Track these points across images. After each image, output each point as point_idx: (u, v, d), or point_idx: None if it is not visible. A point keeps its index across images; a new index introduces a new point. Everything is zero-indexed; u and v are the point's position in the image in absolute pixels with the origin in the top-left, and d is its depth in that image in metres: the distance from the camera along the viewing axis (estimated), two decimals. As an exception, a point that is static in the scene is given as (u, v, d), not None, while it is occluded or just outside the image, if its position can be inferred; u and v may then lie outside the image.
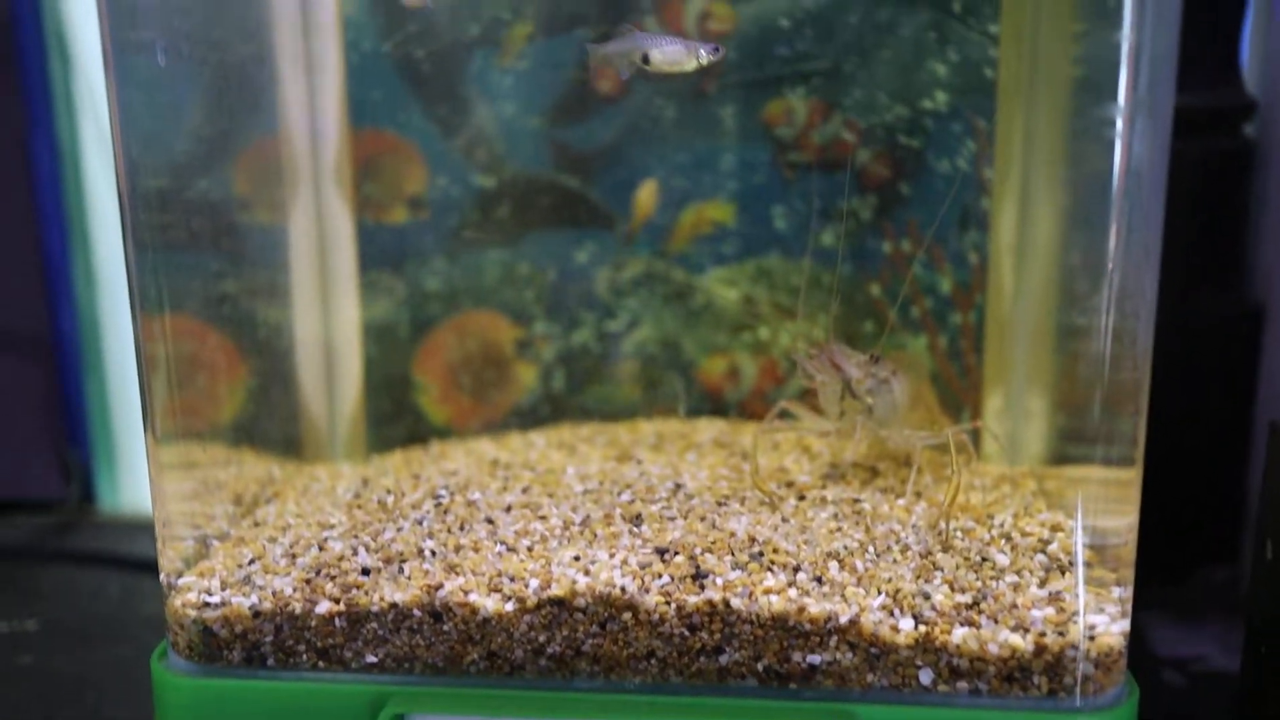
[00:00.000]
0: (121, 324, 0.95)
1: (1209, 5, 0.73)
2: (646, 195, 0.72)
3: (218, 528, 0.59)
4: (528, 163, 0.73)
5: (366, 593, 0.52)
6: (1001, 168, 0.65)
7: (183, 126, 0.60)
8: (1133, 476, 0.54)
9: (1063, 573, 0.53)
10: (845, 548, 0.53)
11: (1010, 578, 0.52)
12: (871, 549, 0.53)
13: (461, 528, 0.56)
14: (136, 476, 0.97)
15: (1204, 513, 0.75)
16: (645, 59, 0.54)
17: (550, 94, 0.72)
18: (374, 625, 0.51)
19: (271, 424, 0.69)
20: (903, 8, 0.68)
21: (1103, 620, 0.50)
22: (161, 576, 0.55)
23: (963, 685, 0.49)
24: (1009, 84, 0.65)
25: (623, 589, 0.50)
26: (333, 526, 0.58)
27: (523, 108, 0.72)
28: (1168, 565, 0.76)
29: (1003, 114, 0.65)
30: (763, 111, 0.71)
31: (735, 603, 0.50)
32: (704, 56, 0.54)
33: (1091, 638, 0.49)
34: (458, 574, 0.52)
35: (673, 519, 0.56)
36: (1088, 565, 0.54)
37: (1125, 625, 0.50)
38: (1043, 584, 0.52)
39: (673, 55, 0.54)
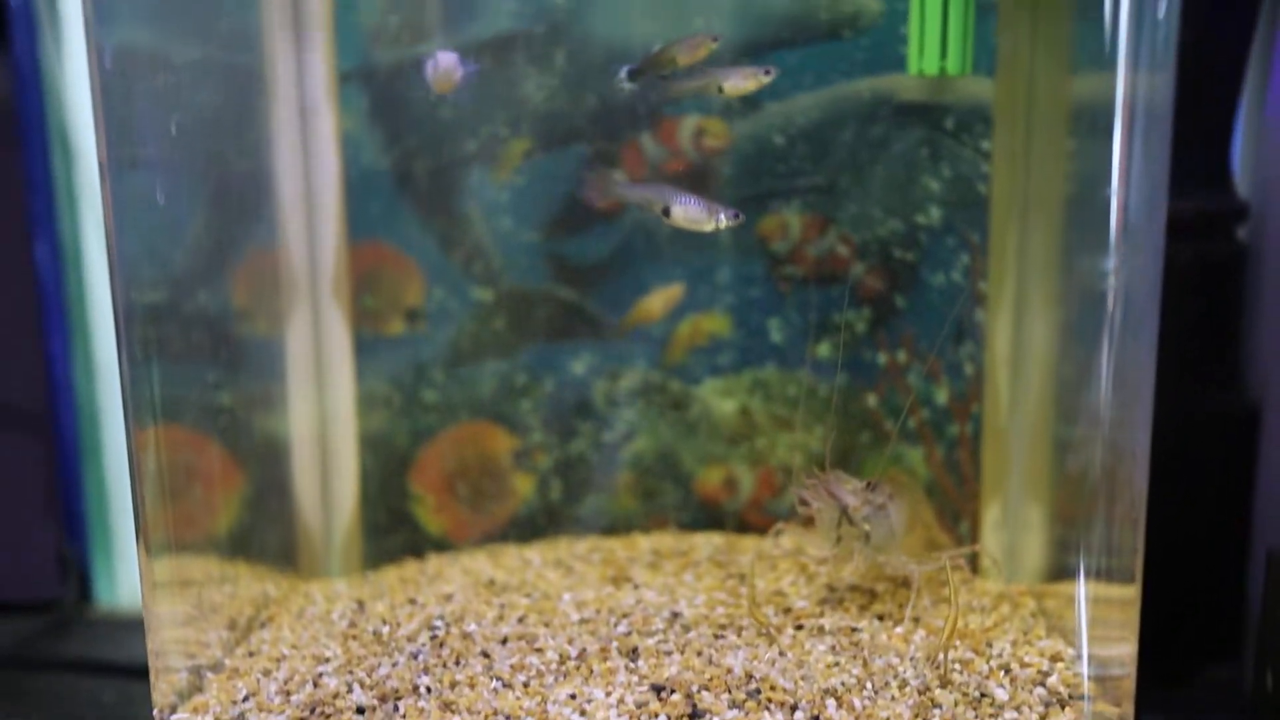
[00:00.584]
0: (121, 418, 0.95)
1: (1200, 111, 0.73)
2: (659, 301, 0.73)
3: (212, 656, 0.59)
4: (525, 275, 0.73)
5: (361, 733, 0.51)
6: (996, 280, 0.66)
7: (181, 240, 0.61)
8: (1133, 595, 0.53)
9: (1063, 706, 0.53)
10: (843, 684, 0.53)
11: (1009, 714, 0.52)
12: (869, 685, 0.53)
13: (457, 662, 0.56)
14: (134, 571, 0.97)
15: (1204, 611, 0.74)
16: (666, 211, 0.55)
17: (547, 208, 0.72)
18: (369, 767, 0.51)
19: (267, 536, 0.68)
20: (895, 125, 0.69)
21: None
22: (154, 713, 0.55)
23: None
24: (1002, 199, 0.65)
25: (619, 731, 0.50)
26: (328, 660, 0.57)
27: (520, 221, 0.73)
28: (1167, 666, 0.75)
29: (996, 228, 0.66)
30: (758, 226, 0.72)
31: (732, 745, 0.49)
32: (723, 220, 0.55)
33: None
34: (453, 712, 0.52)
35: (669, 653, 0.56)
36: (1089, 698, 0.54)
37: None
38: (1042, 721, 0.52)
39: (694, 214, 0.55)
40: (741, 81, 0.56)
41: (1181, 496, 0.72)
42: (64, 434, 0.96)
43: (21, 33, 0.88)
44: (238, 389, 0.65)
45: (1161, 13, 0.50)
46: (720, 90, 0.56)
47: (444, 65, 0.64)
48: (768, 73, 0.56)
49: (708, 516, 0.75)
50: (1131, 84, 0.53)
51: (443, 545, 0.76)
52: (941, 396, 0.71)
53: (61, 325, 0.94)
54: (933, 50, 0.54)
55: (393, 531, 0.75)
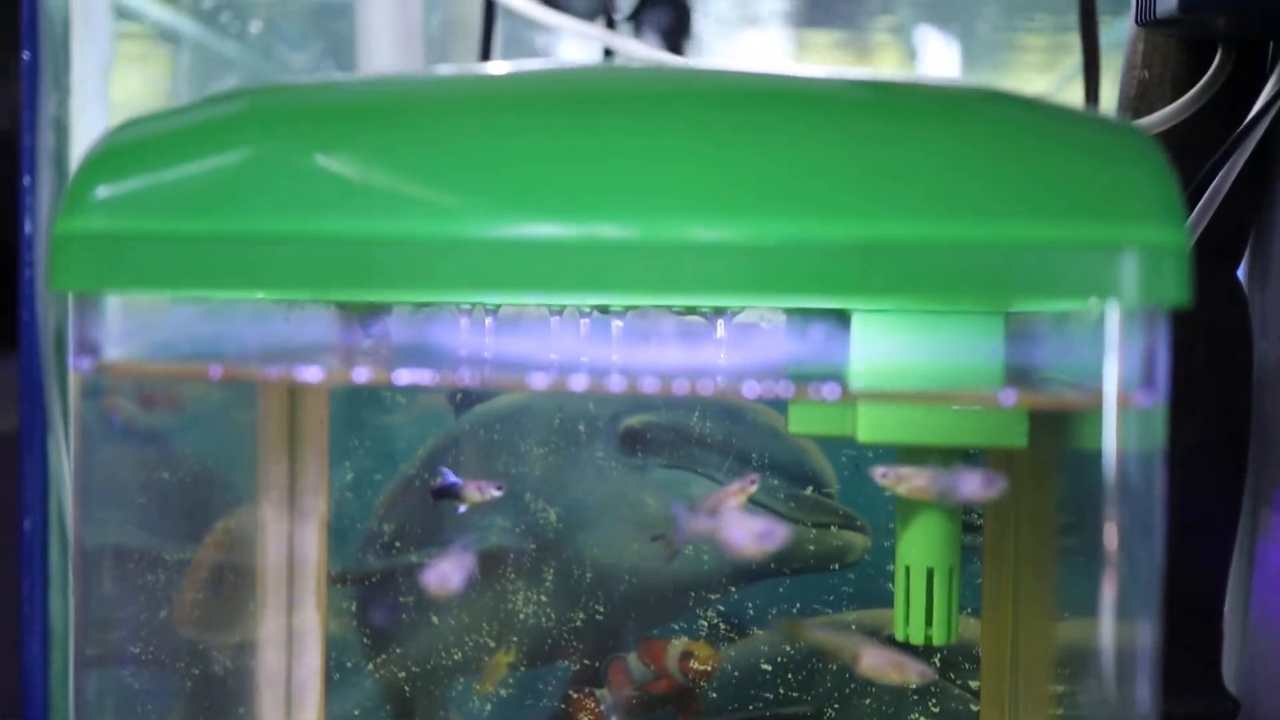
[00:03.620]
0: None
1: (1189, 622, 0.73)
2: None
3: None
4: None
5: None
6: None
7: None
8: None
9: None
10: None
11: None
12: None
13: None
14: None
15: None
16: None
17: (531, 721, 0.71)
18: None
19: None
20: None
21: None
22: None
23: None
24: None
25: None
26: None
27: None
28: None
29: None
30: (742, 754, 0.70)
31: None
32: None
33: None
34: None
35: None
36: None
37: None
38: None
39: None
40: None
41: None
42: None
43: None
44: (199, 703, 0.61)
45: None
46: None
47: (442, 572, 0.65)
48: (753, 482, 0.55)
49: None
50: (1114, 634, 0.53)
51: None
52: None
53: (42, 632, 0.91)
54: (918, 621, 0.55)
55: None
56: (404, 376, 0.43)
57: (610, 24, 0.89)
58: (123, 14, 1.16)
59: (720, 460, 0.65)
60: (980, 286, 0.39)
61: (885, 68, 1.21)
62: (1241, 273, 0.74)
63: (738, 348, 0.43)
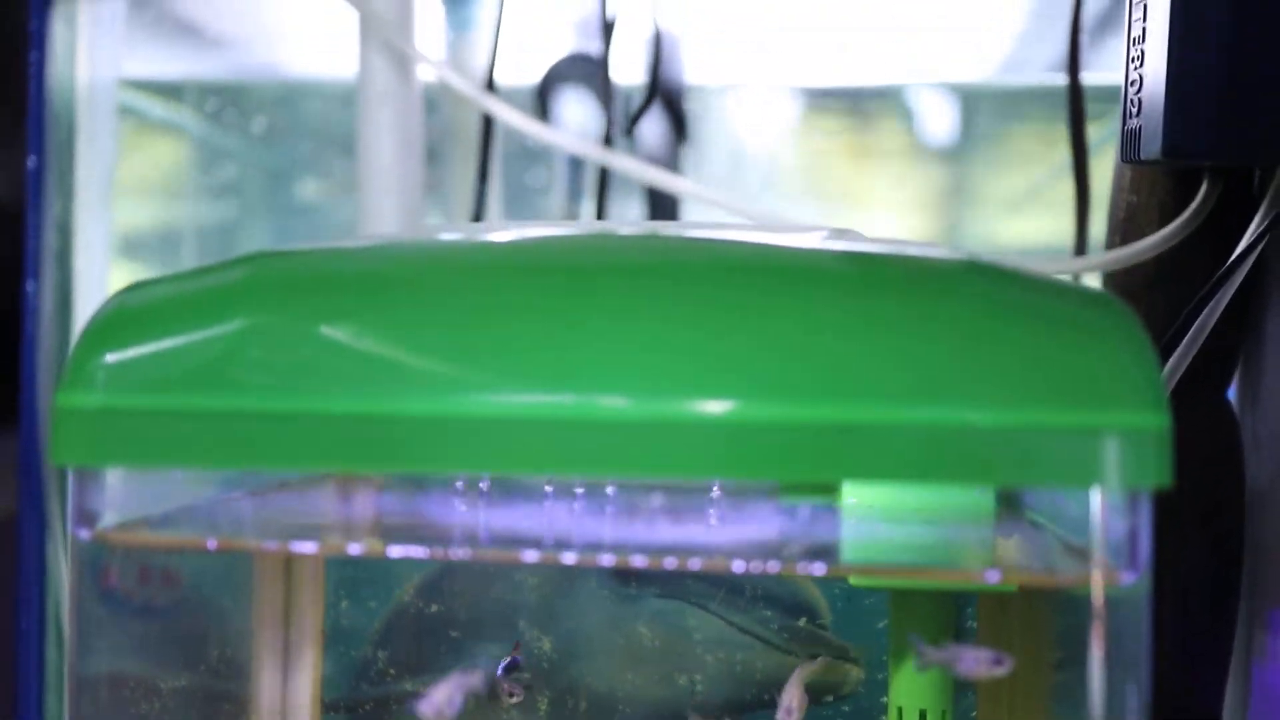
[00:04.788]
0: None
1: None
2: None
3: None
4: None
5: None
6: None
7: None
8: None
9: None
10: None
11: None
12: None
13: None
14: None
15: None
16: None
17: None
18: None
19: None
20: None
21: None
22: None
23: None
24: None
25: None
26: None
27: None
28: None
29: None
30: None
31: None
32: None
33: None
34: None
35: None
36: None
37: None
38: None
39: None
40: None
41: None
42: None
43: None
44: None
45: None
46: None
47: (436, 702, 0.65)
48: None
49: None
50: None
51: None
52: None
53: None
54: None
55: None
56: (398, 550, 0.43)
57: (608, 138, 0.90)
58: (128, 111, 1.18)
59: (714, 590, 0.65)
60: (962, 469, 0.40)
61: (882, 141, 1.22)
62: (1232, 393, 0.75)
63: (727, 523, 0.43)
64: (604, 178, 0.91)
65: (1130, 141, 0.63)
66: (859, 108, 1.19)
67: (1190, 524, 0.73)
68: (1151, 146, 0.60)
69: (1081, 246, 0.87)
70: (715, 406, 0.40)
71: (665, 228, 0.53)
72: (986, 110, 1.21)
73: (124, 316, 0.46)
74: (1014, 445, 0.40)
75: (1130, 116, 0.64)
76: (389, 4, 0.90)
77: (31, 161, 1.00)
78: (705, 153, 1.14)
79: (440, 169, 1.05)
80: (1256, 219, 0.63)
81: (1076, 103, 0.88)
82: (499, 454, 0.41)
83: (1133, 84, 0.63)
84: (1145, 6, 0.62)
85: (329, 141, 1.21)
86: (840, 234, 0.56)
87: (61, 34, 1.05)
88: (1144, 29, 0.62)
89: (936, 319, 0.41)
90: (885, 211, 1.25)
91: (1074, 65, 0.89)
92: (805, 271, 0.43)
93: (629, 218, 1.00)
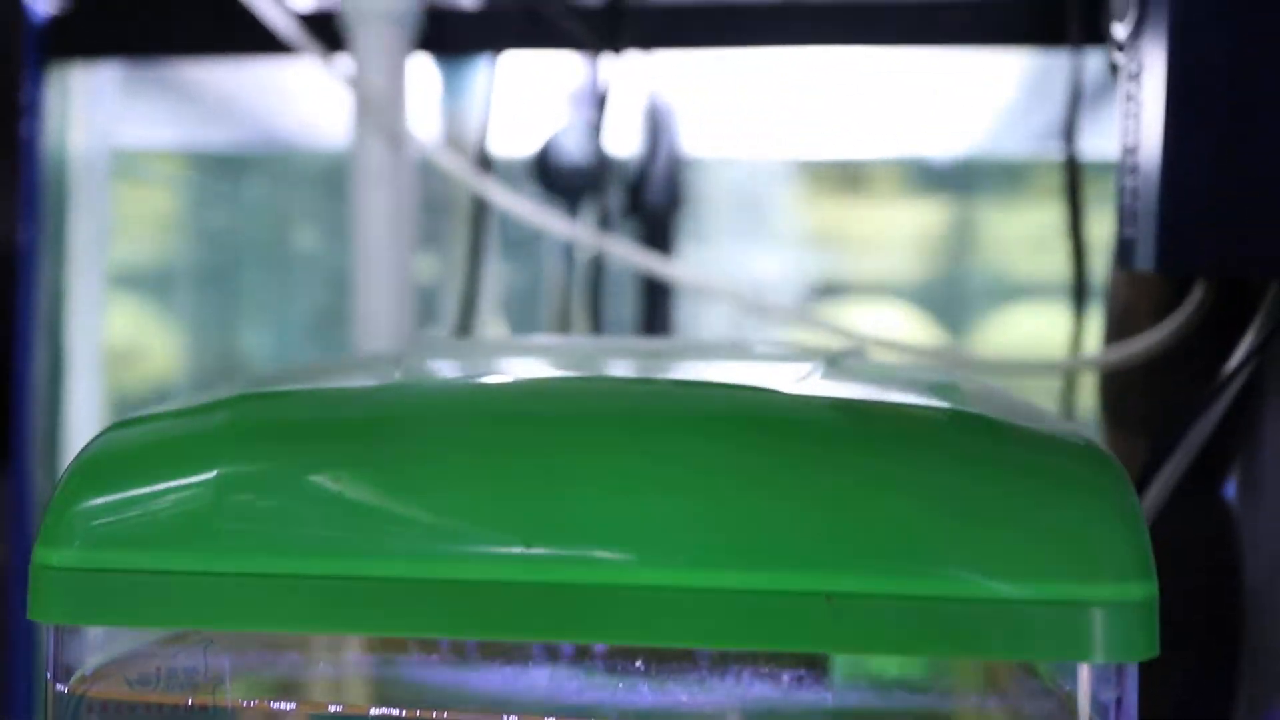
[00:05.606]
0: None
1: None
2: None
3: None
4: None
5: None
6: None
7: None
8: None
9: None
10: None
11: None
12: None
13: None
14: None
15: None
16: None
17: None
18: None
19: None
20: None
21: None
22: None
23: None
24: None
25: None
26: None
27: None
28: None
29: None
30: None
31: None
32: None
33: None
34: None
35: None
36: None
37: None
38: None
39: None
40: None
41: None
42: None
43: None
44: None
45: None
46: None
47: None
48: None
49: None
50: None
51: None
52: None
53: None
54: None
55: None
56: (376, 710, 0.43)
57: (604, 222, 0.90)
58: (124, 172, 1.18)
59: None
60: (947, 641, 0.40)
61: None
62: (1230, 492, 0.74)
63: (710, 689, 0.43)
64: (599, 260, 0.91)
65: (1125, 250, 0.63)
66: (856, 174, 1.19)
67: (1187, 623, 0.72)
68: (1145, 259, 0.60)
69: (1079, 339, 0.87)
70: (698, 576, 0.39)
71: (660, 359, 0.53)
72: (983, 177, 1.21)
73: (103, 466, 0.45)
74: (997, 619, 0.39)
75: (1125, 224, 0.63)
76: (383, 84, 0.89)
77: (25, 232, 1.00)
78: (702, 217, 1.14)
79: (438, 219, 1.04)
80: (1251, 335, 0.62)
81: (1075, 213, 0.88)
82: (484, 618, 0.40)
83: (1126, 193, 0.63)
84: (1138, 117, 0.61)
85: (324, 203, 1.21)
86: (837, 361, 0.56)
87: (55, 102, 1.05)
88: (1138, 138, 0.61)
89: (923, 488, 0.41)
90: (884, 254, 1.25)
91: (1073, 180, 0.89)
92: (790, 428, 0.43)
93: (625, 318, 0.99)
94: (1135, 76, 0.62)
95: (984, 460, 0.42)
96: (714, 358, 0.56)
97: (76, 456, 0.45)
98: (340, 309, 1.03)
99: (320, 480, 0.42)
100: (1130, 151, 0.62)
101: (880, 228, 1.21)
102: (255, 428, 0.45)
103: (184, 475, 0.43)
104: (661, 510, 0.40)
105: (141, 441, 0.46)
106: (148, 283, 1.29)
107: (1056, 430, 0.45)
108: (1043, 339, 1.18)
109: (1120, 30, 0.65)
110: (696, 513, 0.40)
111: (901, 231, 1.22)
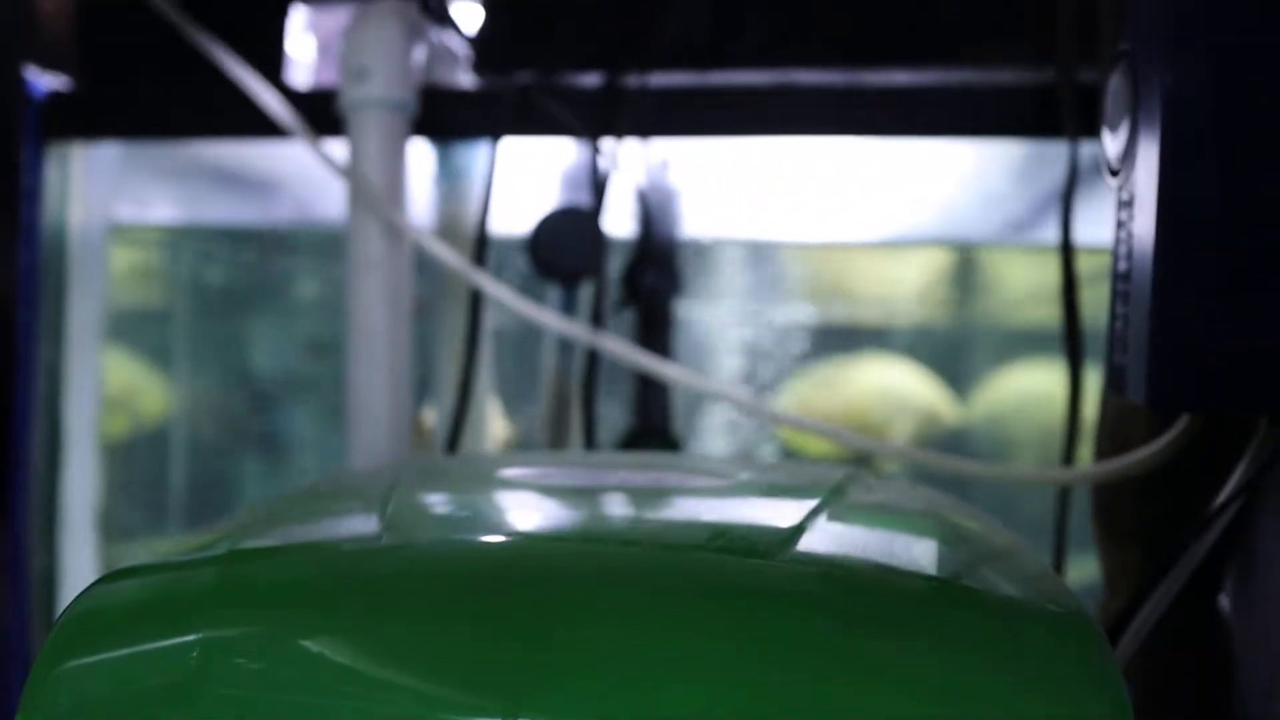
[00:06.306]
0: None
1: None
2: None
3: None
4: None
5: None
6: None
7: None
8: None
9: None
10: None
11: None
12: None
13: None
14: None
15: None
16: None
17: None
18: None
19: None
20: None
21: None
22: None
23: None
24: None
25: None
26: None
27: None
28: None
29: None
30: None
31: None
32: None
33: None
34: None
35: None
36: None
37: None
38: None
39: None
40: None
41: None
42: None
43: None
44: None
45: None
46: None
47: None
48: None
49: None
50: None
51: None
52: None
53: None
54: None
55: None
56: None
57: (598, 317, 0.90)
58: (122, 240, 1.18)
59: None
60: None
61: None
62: (1224, 602, 0.74)
63: None
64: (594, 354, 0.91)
65: (1116, 376, 0.63)
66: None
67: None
68: (1137, 390, 0.60)
69: (1071, 450, 0.87)
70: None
71: (657, 498, 0.53)
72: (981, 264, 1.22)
73: (88, 627, 0.45)
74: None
75: (1115, 349, 0.63)
76: (379, 174, 0.90)
77: (24, 316, 1.00)
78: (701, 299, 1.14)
79: (436, 288, 1.04)
80: (1242, 467, 0.62)
81: (1073, 327, 0.88)
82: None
83: (1119, 318, 0.63)
84: (1129, 244, 0.61)
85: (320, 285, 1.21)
86: (840, 493, 0.56)
87: (55, 180, 1.05)
88: (1129, 266, 0.61)
89: (907, 669, 0.41)
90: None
91: (1069, 268, 0.89)
92: (774, 606, 0.43)
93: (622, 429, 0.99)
94: (1127, 205, 0.62)
95: (971, 639, 0.42)
96: (712, 495, 0.56)
97: (61, 616, 0.45)
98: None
99: (307, 647, 0.42)
100: (1123, 278, 0.62)
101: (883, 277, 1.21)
102: (242, 590, 0.45)
103: (169, 638, 0.43)
104: (643, 685, 0.40)
105: (126, 601, 0.46)
106: (143, 338, 1.30)
107: (1038, 598, 0.45)
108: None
109: (1111, 145, 0.64)
110: (679, 688, 0.40)
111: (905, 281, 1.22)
